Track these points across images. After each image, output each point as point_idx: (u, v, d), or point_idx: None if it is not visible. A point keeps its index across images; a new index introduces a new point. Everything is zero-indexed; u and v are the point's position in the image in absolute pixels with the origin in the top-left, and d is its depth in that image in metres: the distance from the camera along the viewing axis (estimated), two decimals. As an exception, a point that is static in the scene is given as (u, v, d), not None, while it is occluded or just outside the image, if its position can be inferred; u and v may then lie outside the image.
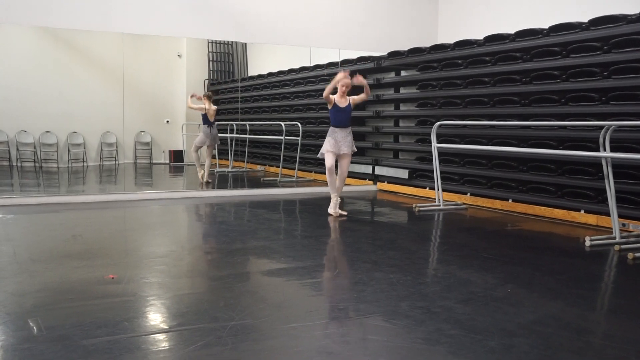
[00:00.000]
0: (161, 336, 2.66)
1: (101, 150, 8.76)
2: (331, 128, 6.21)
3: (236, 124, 9.50)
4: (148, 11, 7.35)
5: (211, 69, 9.71)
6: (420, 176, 8.18)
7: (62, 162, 8.40)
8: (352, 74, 6.19)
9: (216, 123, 8.65)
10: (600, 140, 4.94)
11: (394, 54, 8.66)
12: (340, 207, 6.32)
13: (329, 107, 6.17)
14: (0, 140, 7.90)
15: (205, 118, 8.55)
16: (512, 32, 6.82)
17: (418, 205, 6.86)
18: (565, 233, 5.52)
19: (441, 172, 7.04)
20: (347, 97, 6.19)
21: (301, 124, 9.25)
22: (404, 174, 8.36)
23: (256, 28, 8.05)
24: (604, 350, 2.61)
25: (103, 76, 8.67)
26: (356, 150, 6.36)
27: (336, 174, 6.29)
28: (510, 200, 6.76)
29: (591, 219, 5.87)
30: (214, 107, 8.56)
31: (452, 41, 7.81)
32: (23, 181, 8.17)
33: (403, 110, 8.87)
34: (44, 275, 3.64)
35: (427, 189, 7.93)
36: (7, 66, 7.91)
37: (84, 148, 8.62)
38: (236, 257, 4.27)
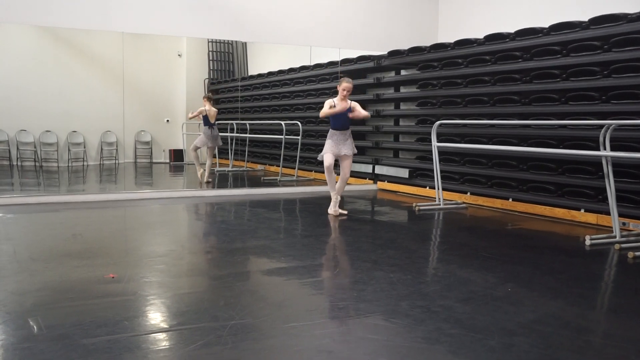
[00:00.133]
0: (161, 335, 2.66)
1: (101, 149, 8.75)
2: (331, 131, 6.20)
3: (236, 123, 9.49)
4: (148, 10, 7.35)
5: (211, 68, 9.70)
6: (420, 175, 8.18)
7: (62, 162, 8.39)
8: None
9: (217, 122, 8.65)
10: (601, 139, 4.94)
11: (394, 53, 8.65)
12: (341, 207, 6.32)
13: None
14: (0, 139, 7.89)
15: (206, 119, 8.54)
16: (512, 31, 6.81)
17: (418, 204, 6.86)
18: (565, 232, 5.52)
19: (441, 171, 7.04)
20: (349, 101, 6.17)
21: (301, 123, 9.25)
22: (404, 173, 8.36)
23: (256, 27, 8.05)
24: (604, 349, 2.61)
25: (103, 75, 8.67)
26: (357, 152, 6.36)
27: (336, 173, 6.29)
28: (510, 200, 6.76)
29: (591, 218, 5.87)
30: (214, 109, 8.56)
31: (452, 40, 7.80)
32: (23, 180, 8.16)
33: (403, 109, 8.87)
34: (44, 275, 3.64)
35: (427, 188, 7.93)
36: (7, 65, 7.90)
37: (84, 147, 8.61)
38: (236, 256, 4.27)
